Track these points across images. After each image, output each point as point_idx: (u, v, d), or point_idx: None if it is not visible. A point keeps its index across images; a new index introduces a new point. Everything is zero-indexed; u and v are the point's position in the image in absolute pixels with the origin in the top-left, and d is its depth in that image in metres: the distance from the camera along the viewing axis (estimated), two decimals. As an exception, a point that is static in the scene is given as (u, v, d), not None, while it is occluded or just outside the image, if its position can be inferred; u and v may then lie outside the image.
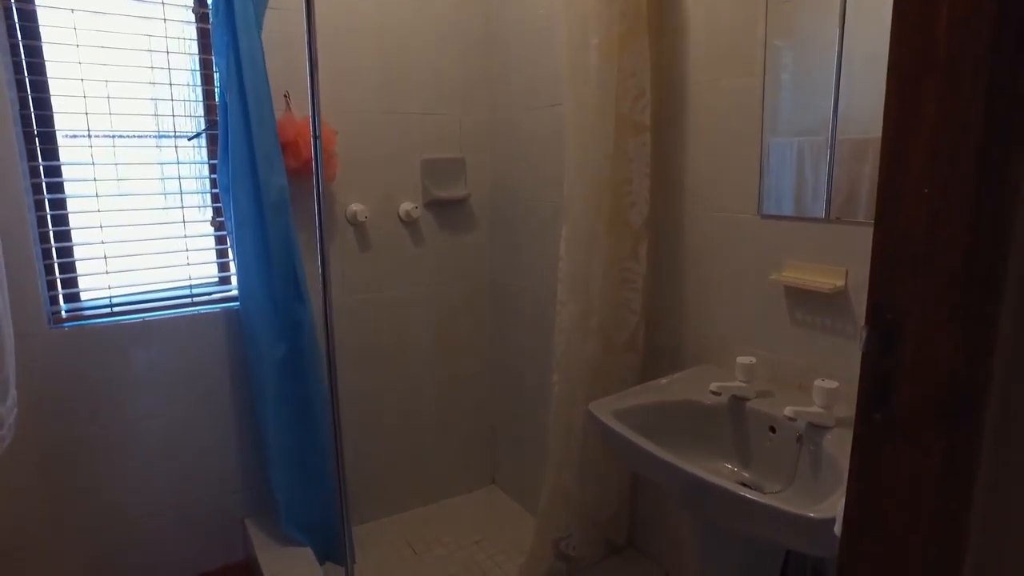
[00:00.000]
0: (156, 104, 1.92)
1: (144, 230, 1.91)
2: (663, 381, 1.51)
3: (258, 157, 1.77)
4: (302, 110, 1.93)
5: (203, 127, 1.97)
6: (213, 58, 1.92)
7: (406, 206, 2.16)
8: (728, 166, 1.48)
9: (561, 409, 1.68)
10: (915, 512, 0.52)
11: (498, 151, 2.30)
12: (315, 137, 1.19)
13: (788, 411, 1.22)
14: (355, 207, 2.06)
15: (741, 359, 1.34)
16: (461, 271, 2.36)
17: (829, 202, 1.28)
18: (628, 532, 1.92)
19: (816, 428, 1.21)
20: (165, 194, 1.96)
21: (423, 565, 2.13)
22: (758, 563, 1.30)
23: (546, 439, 1.73)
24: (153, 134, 1.93)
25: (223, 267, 2.06)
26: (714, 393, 1.37)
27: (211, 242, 2.04)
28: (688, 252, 1.60)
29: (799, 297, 1.35)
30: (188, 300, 1.97)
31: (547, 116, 2.02)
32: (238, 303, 1.95)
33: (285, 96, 1.90)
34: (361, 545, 2.06)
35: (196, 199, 2.01)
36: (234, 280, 2.05)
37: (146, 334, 1.89)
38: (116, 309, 1.89)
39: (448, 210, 2.28)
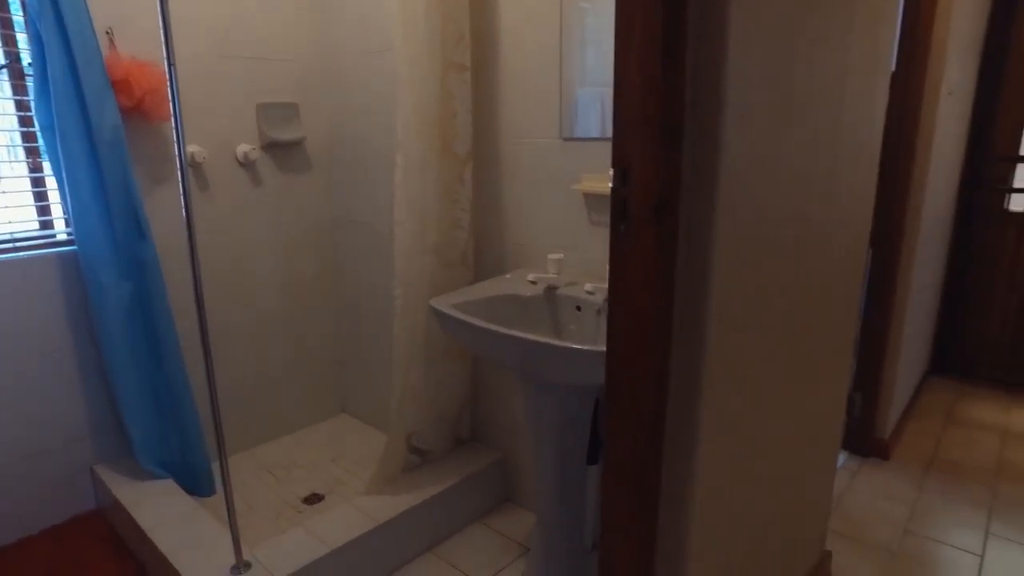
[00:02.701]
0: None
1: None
2: (489, 282, 1.81)
3: (87, 96, 1.76)
4: (128, 48, 1.93)
5: (5, 60, 1.89)
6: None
7: (243, 148, 2.23)
8: (535, 100, 1.79)
9: (405, 319, 1.92)
10: (645, 279, 0.85)
11: (332, 95, 2.43)
12: (170, 65, 1.28)
13: (588, 287, 1.58)
14: (192, 148, 2.10)
15: (551, 256, 1.68)
16: (302, 210, 2.48)
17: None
18: (471, 427, 2.23)
19: (608, 301, 1.58)
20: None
21: (284, 486, 2.28)
22: (576, 411, 1.65)
23: (392, 350, 1.96)
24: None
25: (44, 210, 2.00)
26: (532, 283, 1.69)
27: (28, 184, 1.97)
28: (505, 174, 1.91)
29: (594, 202, 1.71)
30: (10, 246, 1.90)
31: (377, 61, 2.20)
32: (74, 246, 1.93)
33: (108, 33, 1.89)
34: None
35: (4, 138, 1.93)
36: (58, 224, 2.01)
37: (-36, 283, 1.81)
38: (-78, 259, 1.79)
39: (286, 152, 2.38)
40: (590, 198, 1.71)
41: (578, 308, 1.66)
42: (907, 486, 2.35)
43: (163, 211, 2.06)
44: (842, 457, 2.57)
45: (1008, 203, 3.09)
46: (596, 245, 1.73)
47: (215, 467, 2.13)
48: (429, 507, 1.92)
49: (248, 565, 1.62)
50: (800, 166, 1.13)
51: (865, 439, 2.56)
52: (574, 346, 1.33)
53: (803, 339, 1.35)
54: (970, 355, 3.29)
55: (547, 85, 1.75)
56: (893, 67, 2.25)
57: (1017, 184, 3.05)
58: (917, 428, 2.80)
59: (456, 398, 2.12)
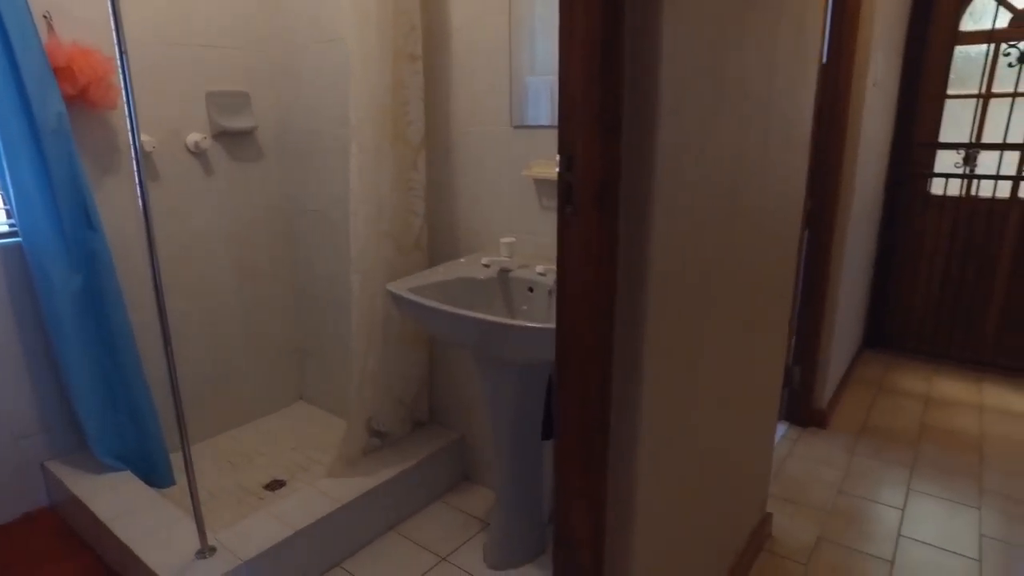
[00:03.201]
0: None
1: None
2: (444, 266, 1.86)
3: (28, 83, 1.73)
4: (68, 33, 1.89)
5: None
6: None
7: (194, 137, 2.21)
8: (486, 89, 1.85)
9: (363, 305, 1.95)
10: (589, 257, 0.92)
11: (283, 84, 2.43)
12: (122, 54, 1.28)
13: (539, 269, 1.65)
14: (141, 138, 2.07)
15: (504, 239, 1.74)
16: (255, 199, 2.47)
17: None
18: (429, 409, 2.29)
19: (559, 282, 1.65)
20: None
21: (245, 474, 2.30)
22: (530, 390, 1.73)
23: (351, 336, 2.00)
24: None
25: (-15, 203, 1.96)
26: (485, 266, 1.75)
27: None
28: (457, 161, 1.96)
29: (544, 187, 1.77)
30: (-51, 239, 1.86)
31: (328, 50, 2.21)
32: (18, 238, 1.89)
33: (46, 17, 1.85)
34: (180, 469, 2.14)
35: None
36: (1, 215, 1.97)
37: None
38: None
39: (237, 141, 2.37)
40: (540, 184, 1.78)
41: (530, 289, 1.73)
42: (841, 451, 2.52)
43: (112, 201, 2.04)
44: (784, 427, 2.73)
45: (930, 187, 3.30)
46: (546, 229, 1.80)
47: (174, 458, 2.14)
48: (390, 487, 1.97)
49: (213, 549, 1.64)
50: (732, 151, 1.22)
51: (804, 409, 2.73)
52: (528, 324, 1.40)
53: (741, 312, 1.45)
54: (899, 330, 3.51)
55: (497, 74, 1.80)
56: (824, 60, 2.39)
57: (937, 169, 3.25)
58: (852, 398, 2.99)
59: (414, 381, 2.17)
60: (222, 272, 2.42)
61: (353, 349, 1.98)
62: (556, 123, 1.70)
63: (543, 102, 1.76)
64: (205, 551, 1.63)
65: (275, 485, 2.23)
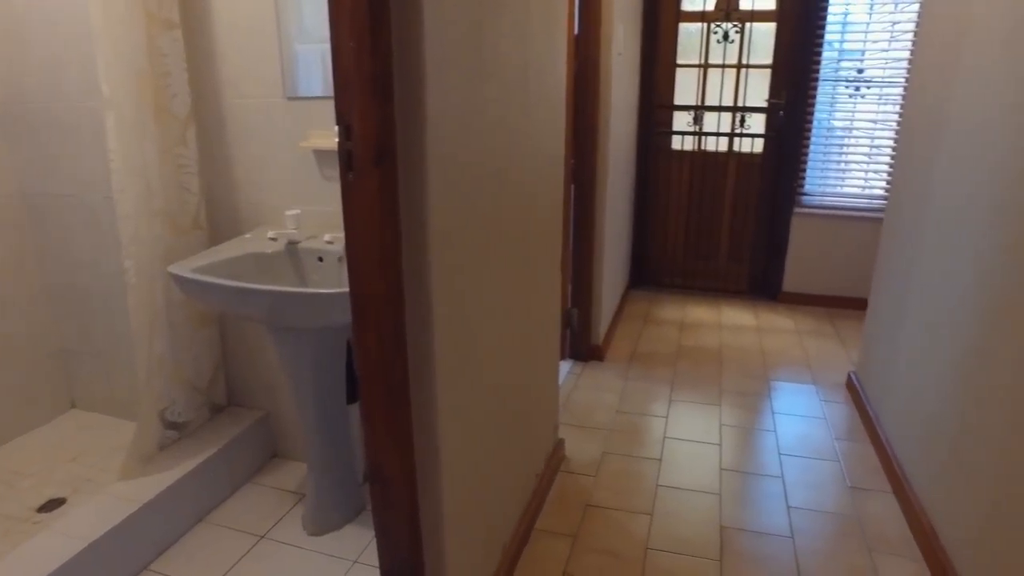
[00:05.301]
0: None
1: None
2: (229, 243, 1.81)
3: None
4: None
5: None
6: None
7: None
8: (255, 58, 1.79)
9: (140, 291, 1.82)
10: (373, 218, 1.00)
11: (3, 50, 2.09)
12: None
13: (327, 238, 1.68)
14: None
15: (288, 212, 1.74)
16: (-18, 187, 2.13)
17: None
18: (227, 392, 2.21)
19: (351, 249, 1.70)
20: None
21: (7, 502, 2.02)
22: (330, 356, 1.76)
23: (131, 325, 1.85)
24: None
25: None
26: (272, 240, 1.74)
27: None
28: (231, 134, 1.89)
29: (324, 157, 1.79)
30: None
31: (60, 12, 1.96)
32: None
33: None
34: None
35: None
36: None
37: None
38: None
39: (-53, 118, 2.01)
40: (320, 154, 1.79)
41: (320, 259, 1.75)
42: (617, 378, 2.91)
43: None
44: (569, 364, 3.07)
45: (671, 143, 3.84)
46: (330, 198, 1.83)
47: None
48: (194, 478, 1.90)
49: (-18, 583, 1.47)
50: (496, 113, 1.36)
51: (584, 346, 3.08)
52: (320, 291, 1.44)
53: (517, 260, 1.63)
54: (657, 269, 4.08)
55: (266, 43, 1.76)
56: (577, 32, 2.66)
57: (675, 128, 3.80)
58: (623, 332, 3.43)
59: (207, 364, 2.08)
60: (-52, 273, 2.07)
61: (135, 339, 1.84)
62: (331, 93, 1.72)
63: (315, 72, 1.76)
64: (-28, 587, 1.45)
65: (52, 505, 2.00)
